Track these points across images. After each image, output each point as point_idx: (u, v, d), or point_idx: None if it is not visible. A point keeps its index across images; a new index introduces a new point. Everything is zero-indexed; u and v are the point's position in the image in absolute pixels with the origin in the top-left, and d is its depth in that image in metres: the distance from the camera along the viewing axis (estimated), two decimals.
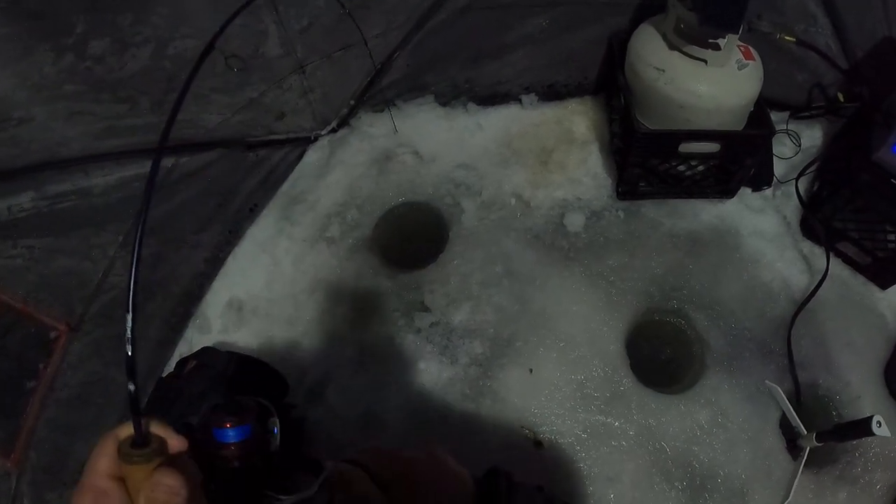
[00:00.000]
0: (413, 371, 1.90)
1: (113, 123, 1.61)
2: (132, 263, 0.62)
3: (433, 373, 1.90)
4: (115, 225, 1.70)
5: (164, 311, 1.90)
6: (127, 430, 0.57)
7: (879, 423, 1.55)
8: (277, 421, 0.87)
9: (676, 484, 1.78)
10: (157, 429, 0.59)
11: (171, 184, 1.81)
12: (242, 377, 1.66)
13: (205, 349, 1.73)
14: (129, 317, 0.59)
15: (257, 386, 1.70)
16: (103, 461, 0.57)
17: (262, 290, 2.02)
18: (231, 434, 0.70)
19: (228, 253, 2.06)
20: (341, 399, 1.87)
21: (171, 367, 1.87)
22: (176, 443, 0.60)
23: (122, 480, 0.57)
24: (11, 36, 1.33)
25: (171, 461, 0.58)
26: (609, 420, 1.84)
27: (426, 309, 1.99)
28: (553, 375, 1.89)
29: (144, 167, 1.72)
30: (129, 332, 0.58)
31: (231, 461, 0.71)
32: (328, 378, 1.90)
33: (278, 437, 0.81)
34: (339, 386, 1.89)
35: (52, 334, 1.64)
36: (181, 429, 0.67)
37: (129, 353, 0.58)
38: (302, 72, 1.94)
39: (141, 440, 0.57)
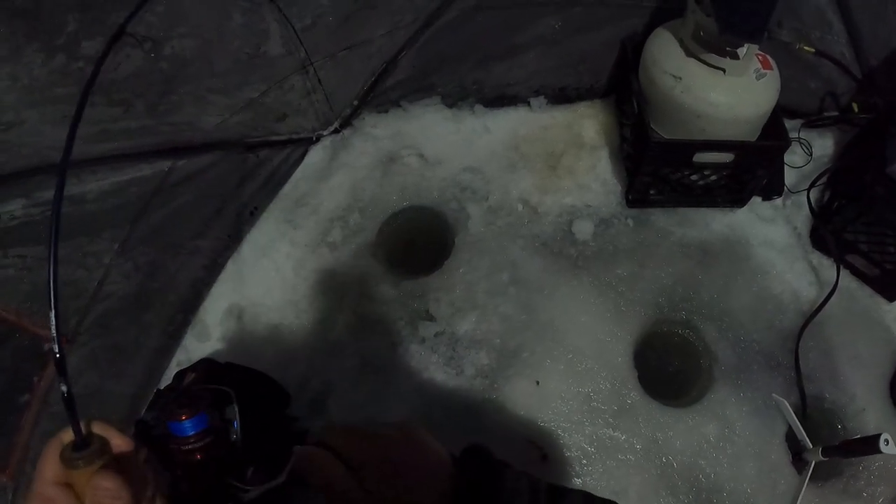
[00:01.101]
0: (417, 382, 1.86)
1: (107, 127, 1.55)
2: (50, 255, 0.63)
3: (438, 384, 1.86)
4: (110, 232, 1.64)
5: (161, 319, 1.84)
6: (70, 434, 0.56)
7: (887, 442, 1.54)
8: (236, 408, 0.86)
9: (682, 498, 1.77)
10: (99, 429, 0.58)
11: (169, 188, 1.74)
12: (242, 389, 1.62)
13: (203, 360, 1.68)
14: (52, 314, 0.60)
15: (258, 398, 1.66)
16: (48, 467, 0.56)
17: (263, 297, 1.96)
18: (187, 426, 0.69)
19: (228, 258, 1.99)
20: (343, 410, 1.83)
21: (169, 376, 1.83)
22: (119, 442, 0.59)
23: (69, 486, 0.56)
24: (6, 35, 1.27)
25: (116, 461, 0.57)
26: (616, 433, 1.82)
27: (431, 318, 1.94)
28: (560, 388, 1.86)
29: (141, 171, 1.66)
30: (53, 330, 0.59)
31: (192, 454, 0.69)
32: (330, 389, 1.86)
33: (238, 425, 0.82)
34: (340, 397, 1.85)
35: (46, 346, 1.58)
36: (138, 427, 0.67)
37: (57, 354, 0.58)
38: (305, 71, 1.87)
39: (81, 443, 0.55)
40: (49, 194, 1.48)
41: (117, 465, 0.57)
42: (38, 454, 1.57)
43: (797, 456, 1.84)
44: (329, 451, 0.71)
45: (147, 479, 0.60)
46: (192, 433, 0.69)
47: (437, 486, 0.68)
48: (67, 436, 0.56)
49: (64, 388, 0.56)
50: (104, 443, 0.57)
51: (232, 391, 0.91)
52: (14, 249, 1.47)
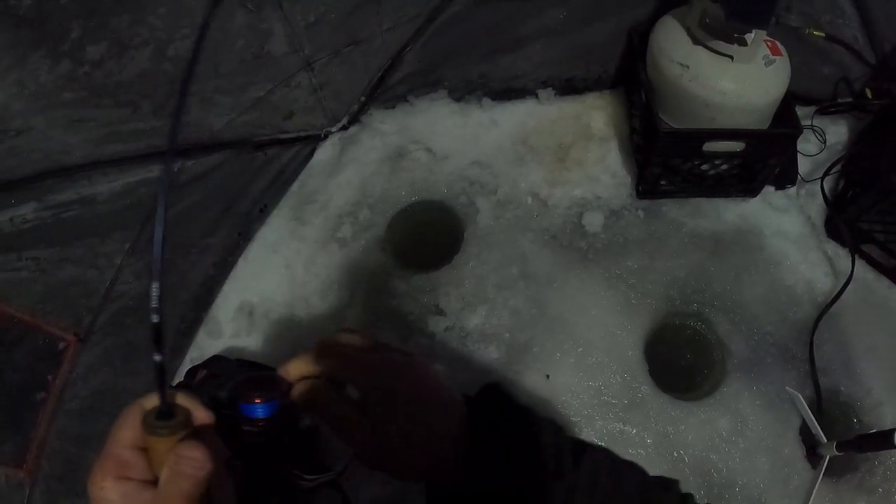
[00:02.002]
0: None
1: (115, 129, 1.56)
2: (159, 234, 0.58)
3: (448, 379, 1.86)
4: (120, 233, 1.66)
5: (173, 317, 1.87)
6: (152, 401, 0.55)
7: None
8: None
9: (694, 492, 1.75)
10: (183, 401, 0.57)
11: (178, 188, 1.76)
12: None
13: (214, 358, 1.70)
14: (156, 285, 0.57)
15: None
16: (126, 432, 0.55)
17: (274, 294, 1.97)
18: (259, 409, 0.69)
19: (238, 256, 2.01)
20: None
21: (181, 374, 1.86)
22: (202, 415, 0.58)
23: (144, 451, 0.55)
24: (5, 44, 1.28)
25: (197, 434, 0.56)
26: (627, 427, 1.81)
27: (441, 312, 1.94)
28: (570, 381, 1.85)
29: (151, 172, 1.67)
30: (154, 301, 0.57)
31: (258, 437, 0.69)
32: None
33: (310, 417, 0.82)
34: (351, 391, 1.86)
35: (61, 345, 1.61)
36: (208, 403, 0.65)
37: (156, 321, 0.56)
38: (310, 69, 1.87)
39: (166, 412, 0.55)
40: (59, 198, 1.51)
41: (197, 437, 0.56)
42: (54, 451, 1.61)
43: (811, 450, 1.82)
44: (326, 379, 0.73)
45: (221, 456, 0.59)
46: (262, 417, 0.69)
47: (447, 425, 0.66)
48: (148, 402, 0.56)
49: (157, 357, 0.55)
50: (187, 414, 0.56)
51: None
52: (28, 252, 1.50)
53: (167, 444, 0.54)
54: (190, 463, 0.53)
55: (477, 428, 0.65)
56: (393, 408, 0.65)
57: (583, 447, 0.69)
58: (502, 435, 0.65)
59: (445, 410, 0.66)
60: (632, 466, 0.74)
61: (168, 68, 1.58)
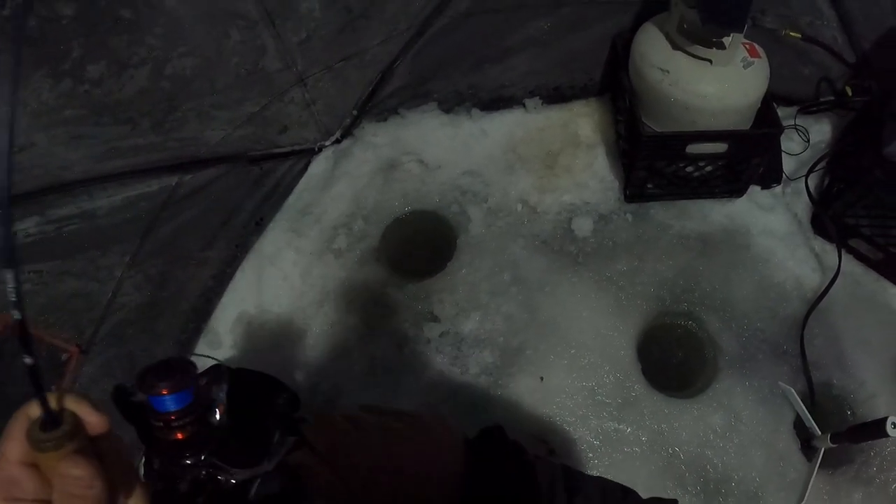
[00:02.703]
0: (424, 381, 1.90)
1: (115, 145, 1.61)
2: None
3: (444, 383, 1.89)
4: (120, 246, 1.71)
5: (173, 328, 1.90)
6: (38, 410, 0.49)
7: (894, 425, 1.53)
8: (226, 386, 0.77)
9: (690, 489, 1.77)
10: (73, 404, 0.50)
11: (176, 202, 1.81)
12: (253, 394, 1.66)
13: (213, 367, 1.73)
14: (11, 275, 0.47)
15: (268, 402, 1.70)
16: (13, 446, 0.49)
17: (271, 304, 2.01)
18: (169, 401, 0.62)
19: (236, 268, 2.05)
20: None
21: None
22: (95, 420, 0.51)
23: (36, 467, 0.49)
24: (7, 63, 1.33)
25: (91, 443, 0.50)
26: (621, 426, 1.83)
27: (435, 319, 1.98)
28: (564, 383, 1.88)
29: (150, 187, 1.73)
30: (13, 296, 0.47)
31: (171, 433, 0.62)
32: (339, 391, 1.90)
33: (223, 402, 0.73)
34: (350, 399, 1.89)
35: (63, 357, 1.64)
36: (116, 393, 0.60)
37: (20, 319, 0.48)
38: (303, 84, 1.92)
39: (50, 421, 0.48)
40: (60, 212, 1.55)
41: (92, 447, 0.50)
42: None
43: (806, 444, 1.83)
44: (319, 450, 0.69)
45: (128, 461, 0.54)
46: (173, 409, 0.62)
47: (446, 472, 0.67)
48: (34, 410, 0.49)
49: (28, 360, 0.48)
50: (77, 422, 0.49)
51: (225, 366, 0.86)
52: (30, 265, 1.54)
53: (56, 458, 0.48)
54: (77, 483, 0.48)
55: (476, 471, 0.67)
56: (387, 471, 0.64)
57: (578, 484, 0.71)
58: (500, 476, 0.68)
59: (444, 462, 0.67)
60: (626, 494, 0.76)
61: (166, 86, 1.64)
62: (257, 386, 1.76)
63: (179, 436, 0.62)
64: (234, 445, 0.78)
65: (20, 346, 0.48)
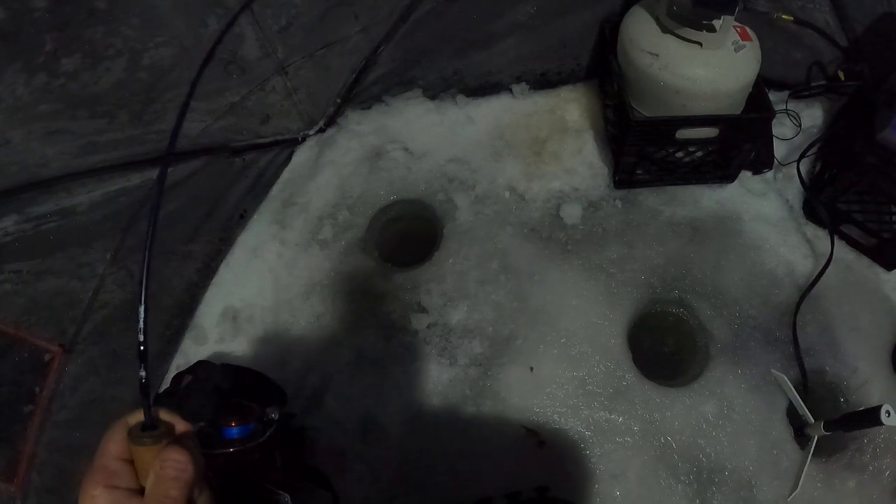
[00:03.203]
0: (412, 374, 1.88)
1: (92, 139, 1.58)
2: (145, 257, 0.69)
3: (432, 375, 1.87)
4: (102, 242, 1.68)
5: (158, 324, 1.88)
6: (136, 417, 0.62)
7: (889, 413, 1.52)
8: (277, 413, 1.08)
9: (683, 478, 1.76)
10: (164, 416, 0.64)
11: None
12: (239, 390, 1.65)
13: (200, 363, 1.71)
14: (142, 308, 0.64)
15: (254, 397, 1.69)
16: (113, 445, 0.61)
17: (257, 298, 1.99)
18: (234, 431, 0.84)
19: (220, 261, 2.03)
20: (340, 405, 1.85)
21: (167, 381, 1.87)
22: (182, 426, 0.64)
23: (131, 462, 0.61)
24: None
25: (179, 442, 0.62)
26: (613, 416, 1.82)
27: (423, 309, 1.96)
28: (554, 373, 1.86)
29: (129, 181, 1.69)
30: (141, 322, 0.64)
31: (234, 456, 0.82)
32: (326, 384, 1.88)
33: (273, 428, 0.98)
34: (337, 392, 1.87)
35: (47, 357, 1.62)
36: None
37: (141, 340, 0.63)
38: (284, 73, 1.89)
39: (150, 424, 0.61)
40: (39, 209, 1.52)
41: (179, 443, 0.62)
42: (44, 463, 1.62)
43: (799, 431, 1.82)
44: None
45: (202, 464, 0.63)
46: (237, 436, 0.83)
47: None
48: (133, 418, 0.62)
49: (143, 373, 0.62)
50: (170, 426, 0.62)
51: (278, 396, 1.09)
52: (10, 265, 1.51)
53: (152, 452, 0.60)
54: (174, 465, 0.59)
55: None
56: None
57: None
58: None
59: None
60: None
61: (143, 77, 1.60)
62: (244, 381, 1.75)
63: (239, 458, 0.84)
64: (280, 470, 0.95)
65: (138, 362, 0.63)
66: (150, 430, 0.60)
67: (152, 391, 1.88)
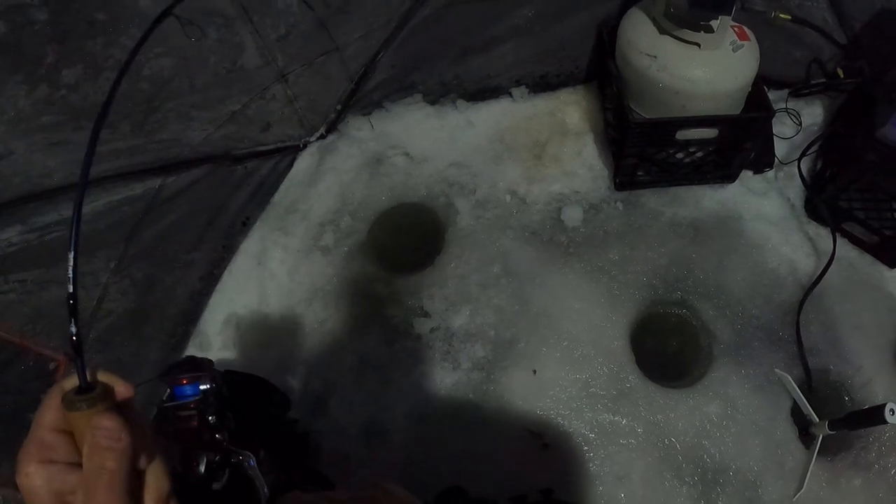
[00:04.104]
0: (415, 378, 1.89)
1: (95, 149, 1.59)
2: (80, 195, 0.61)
3: (435, 379, 1.88)
4: (105, 251, 1.69)
5: (162, 333, 1.89)
6: (73, 382, 0.55)
7: (893, 411, 1.51)
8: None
9: (688, 479, 1.76)
10: (103, 377, 0.57)
11: (160, 204, 1.79)
12: (243, 396, 1.65)
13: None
14: (71, 255, 0.58)
15: (258, 404, 1.69)
16: (48, 414, 0.54)
17: (260, 304, 2.00)
18: (188, 389, 0.81)
19: (223, 269, 2.04)
20: (344, 410, 1.86)
21: None
22: (122, 388, 0.57)
23: (68, 434, 0.54)
24: None
25: (118, 408, 0.55)
26: (616, 418, 1.82)
27: (425, 314, 1.96)
28: (557, 375, 1.86)
29: (132, 190, 1.71)
30: (70, 271, 0.57)
31: (191, 420, 0.79)
32: (330, 389, 1.89)
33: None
34: (340, 397, 1.88)
35: (52, 365, 1.63)
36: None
37: (71, 292, 0.56)
38: (284, 80, 1.90)
39: (85, 386, 0.54)
40: (43, 220, 1.54)
41: (119, 411, 0.55)
42: None
43: (804, 431, 1.82)
44: None
45: (148, 433, 0.58)
46: (191, 395, 0.80)
47: None
48: (69, 384, 0.55)
49: (73, 330, 0.55)
50: (106, 389, 0.55)
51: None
52: (14, 275, 1.52)
53: (87, 418, 0.53)
54: (106, 434, 0.52)
55: None
56: None
57: None
58: None
59: None
60: None
61: (144, 87, 1.61)
62: (248, 388, 1.76)
63: (195, 423, 0.78)
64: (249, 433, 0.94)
65: (69, 317, 0.56)
66: (87, 391, 0.54)
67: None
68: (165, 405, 1.01)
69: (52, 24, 1.36)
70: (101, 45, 1.47)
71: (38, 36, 1.36)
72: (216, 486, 1.00)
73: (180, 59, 1.66)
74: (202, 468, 0.98)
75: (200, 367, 1.10)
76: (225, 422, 1.06)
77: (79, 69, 1.46)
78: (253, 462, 1.03)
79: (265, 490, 1.01)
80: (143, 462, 0.56)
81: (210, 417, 1.01)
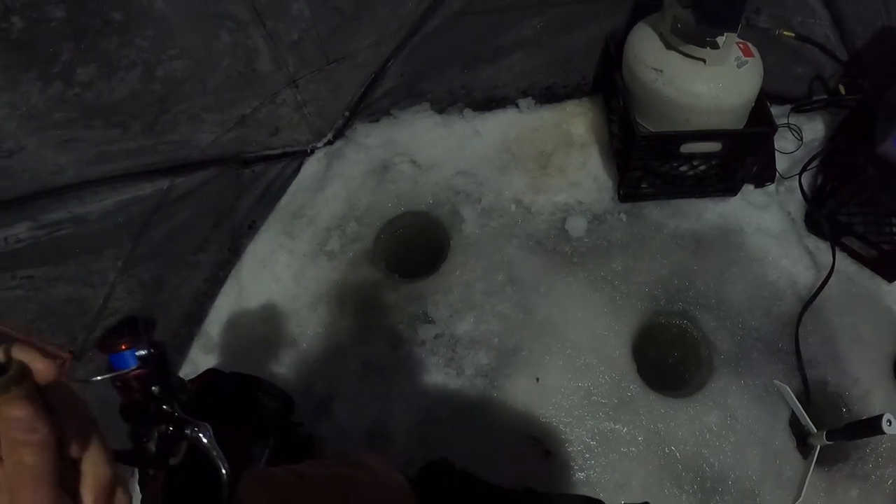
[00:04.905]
0: (418, 383, 1.89)
1: (105, 148, 1.60)
2: None
3: (439, 385, 1.89)
4: (113, 250, 1.69)
5: (166, 333, 1.89)
6: None
7: (890, 422, 1.53)
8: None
9: (687, 488, 1.77)
10: (20, 353, 0.47)
11: (168, 205, 1.80)
12: (247, 397, 1.66)
13: (209, 371, 1.72)
14: None
15: (263, 406, 1.70)
16: None
17: (265, 307, 2.00)
18: (128, 357, 0.68)
19: (229, 271, 2.05)
20: (347, 414, 1.87)
21: None
22: (41, 367, 0.47)
23: None
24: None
25: (39, 391, 0.46)
26: (617, 426, 1.83)
27: (430, 320, 1.97)
28: (560, 383, 1.88)
29: (141, 190, 1.71)
30: None
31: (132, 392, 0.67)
32: (333, 393, 1.89)
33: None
34: (344, 401, 1.88)
35: (57, 363, 1.63)
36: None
37: None
38: (294, 86, 1.91)
39: None
40: (52, 216, 1.54)
41: (40, 394, 0.46)
42: None
43: (802, 441, 1.84)
44: None
45: (82, 415, 0.50)
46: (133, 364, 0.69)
47: None
48: None
49: None
50: (23, 369, 0.46)
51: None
52: (22, 271, 1.52)
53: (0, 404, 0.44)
54: (18, 425, 0.44)
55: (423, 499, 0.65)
56: None
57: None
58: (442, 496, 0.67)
59: (395, 497, 0.64)
60: None
61: (157, 88, 1.62)
62: (253, 389, 1.75)
63: (139, 395, 0.67)
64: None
65: None
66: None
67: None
68: (102, 378, 0.90)
69: (68, 21, 1.37)
70: (115, 45, 1.48)
71: (55, 33, 1.37)
72: (173, 461, 0.90)
73: (193, 62, 1.67)
74: (153, 445, 0.89)
75: (138, 329, 0.96)
76: (172, 390, 0.95)
77: (93, 68, 1.46)
78: (210, 433, 0.91)
79: (225, 465, 0.88)
80: (75, 450, 0.49)
81: (153, 388, 0.90)
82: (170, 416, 0.91)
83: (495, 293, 2.00)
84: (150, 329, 0.92)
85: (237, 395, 1.63)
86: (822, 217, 2.02)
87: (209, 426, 0.89)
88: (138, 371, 0.84)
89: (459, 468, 0.72)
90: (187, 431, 0.91)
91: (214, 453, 0.87)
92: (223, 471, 0.86)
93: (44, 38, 1.35)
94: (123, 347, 0.89)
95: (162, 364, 0.92)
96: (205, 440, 0.89)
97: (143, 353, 0.88)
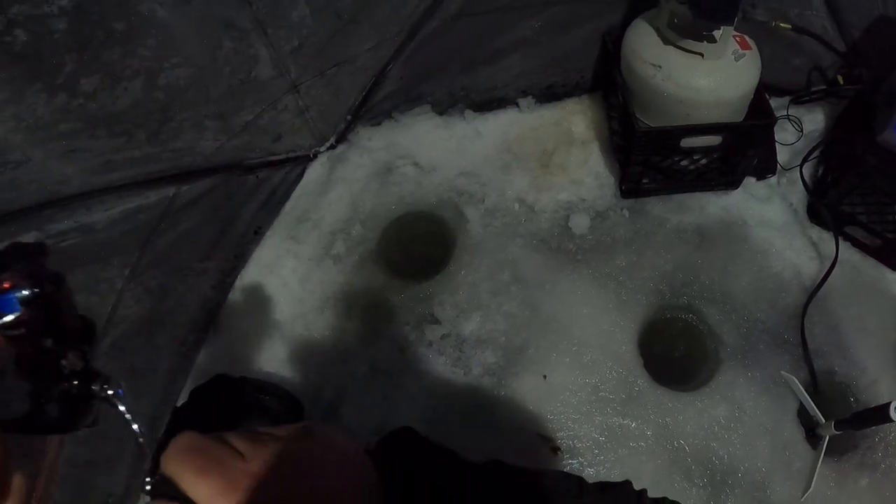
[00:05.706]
0: (426, 384, 1.90)
1: (110, 158, 1.61)
2: None
3: (447, 384, 1.89)
4: (120, 258, 1.70)
5: (173, 341, 1.90)
6: None
7: None
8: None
9: (697, 481, 1.77)
10: None
11: (173, 213, 1.81)
12: (256, 401, 1.66)
13: (218, 376, 1.73)
14: None
15: (272, 410, 1.70)
16: None
17: (272, 312, 2.01)
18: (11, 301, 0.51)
19: (235, 277, 2.06)
20: (356, 416, 1.87)
21: (185, 395, 1.88)
22: None
23: None
24: (2, 79, 1.33)
25: None
26: (626, 422, 1.84)
27: (436, 321, 1.98)
28: (567, 380, 1.88)
29: (147, 198, 1.73)
30: None
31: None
32: (342, 396, 1.90)
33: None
34: (353, 403, 1.89)
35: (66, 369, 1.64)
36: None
37: None
38: (296, 91, 1.93)
39: None
40: (58, 227, 1.55)
41: None
42: (64, 478, 1.62)
43: (810, 432, 1.84)
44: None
45: None
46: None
47: (360, 485, 0.57)
48: None
49: None
50: None
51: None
52: None
53: None
54: None
55: (384, 471, 0.59)
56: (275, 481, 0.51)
57: (498, 470, 0.67)
58: (409, 472, 0.62)
59: (343, 466, 0.57)
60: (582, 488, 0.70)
61: (160, 97, 1.64)
62: (262, 393, 1.76)
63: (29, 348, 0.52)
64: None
65: None
66: None
67: (174, 398, 1.90)
68: None
69: (71, 32, 1.38)
70: (118, 55, 1.49)
71: (58, 45, 1.38)
72: (84, 424, 0.67)
73: (196, 70, 1.68)
74: (55, 409, 0.65)
75: (23, 261, 0.70)
76: (70, 340, 0.71)
77: (96, 78, 1.47)
78: (122, 392, 0.68)
79: (142, 429, 0.65)
80: None
81: (47, 341, 0.64)
82: (71, 373, 0.66)
83: (501, 292, 2.01)
84: (40, 259, 0.67)
85: (246, 399, 1.64)
86: (824, 207, 2.02)
87: (120, 383, 0.66)
88: (21, 318, 0.61)
89: (422, 436, 0.63)
90: (94, 388, 0.67)
91: (129, 416, 0.68)
92: (139, 438, 0.65)
93: (47, 49, 1.36)
94: (6, 286, 0.62)
95: (55, 307, 0.66)
96: (117, 400, 0.67)
97: (26, 293, 0.62)
